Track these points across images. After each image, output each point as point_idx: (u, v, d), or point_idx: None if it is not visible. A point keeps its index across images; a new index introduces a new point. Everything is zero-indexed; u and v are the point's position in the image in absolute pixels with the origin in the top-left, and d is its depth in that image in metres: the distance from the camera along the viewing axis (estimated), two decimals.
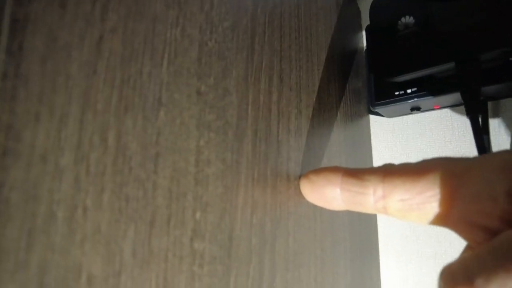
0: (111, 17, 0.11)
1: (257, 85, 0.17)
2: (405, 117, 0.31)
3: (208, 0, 0.15)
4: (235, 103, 0.16)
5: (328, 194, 0.17)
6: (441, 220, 0.13)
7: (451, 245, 0.28)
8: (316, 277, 0.20)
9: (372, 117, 0.32)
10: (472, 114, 0.21)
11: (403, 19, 0.24)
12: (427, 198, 0.13)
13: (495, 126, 0.27)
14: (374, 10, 0.24)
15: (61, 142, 0.10)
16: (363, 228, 0.28)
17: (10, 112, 0.09)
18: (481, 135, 0.20)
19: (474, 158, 0.13)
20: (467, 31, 0.21)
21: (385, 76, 0.24)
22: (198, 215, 0.13)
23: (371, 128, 0.32)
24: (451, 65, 0.22)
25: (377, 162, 0.31)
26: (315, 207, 0.21)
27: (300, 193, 0.20)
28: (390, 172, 0.14)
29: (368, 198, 0.15)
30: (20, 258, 0.09)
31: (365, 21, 0.33)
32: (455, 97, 0.25)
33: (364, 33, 0.33)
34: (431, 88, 0.25)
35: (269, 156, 0.17)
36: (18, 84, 0.09)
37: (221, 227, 0.14)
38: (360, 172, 0.15)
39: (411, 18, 0.23)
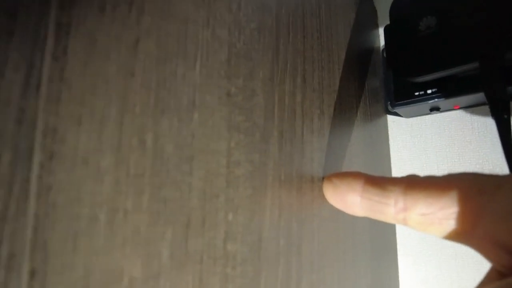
0: (146, 19, 0.11)
1: (282, 86, 0.17)
2: (423, 117, 0.30)
3: (235, 0, 0.15)
4: (262, 104, 0.16)
5: (349, 200, 0.16)
6: (464, 237, 0.13)
7: None
8: (339, 278, 0.20)
9: (389, 117, 0.32)
10: (497, 115, 0.21)
11: (424, 19, 0.23)
12: (449, 214, 0.13)
13: None
14: (394, 10, 0.24)
15: (102, 144, 0.10)
16: (381, 228, 0.28)
17: (56, 115, 0.09)
18: (508, 136, 0.20)
19: (504, 176, 0.13)
20: (491, 29, 0.21)
21: (407, 76, 0.23)
22: (230, 216, 0.13)
23: (388, 128, 0.32)
24: (475, 65, 0.22)
25: (395, 162, 0.31)
26: (337, 209, 0.21)
27: (323, 195, 0.19)
28: (413, 184, 0.14)
29: (389, 208, 0.15)
30: (67, 260, 0.09)
31: (382, 19, 0.33)
32: (477, 97, 0.25)
33: (380, 32, 0.33)
34: (452, 89, 0.24)
35: (294, 157, 0.17)
36: (62, 87, 0.09)
37: (251, 228, 0.14)
38: (383, 181, 0.15)
39: (433, 18, 0.23)
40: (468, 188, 0.12)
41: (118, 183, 0.10)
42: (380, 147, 0.31)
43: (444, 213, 0.13)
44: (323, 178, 0.20)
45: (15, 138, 0.08)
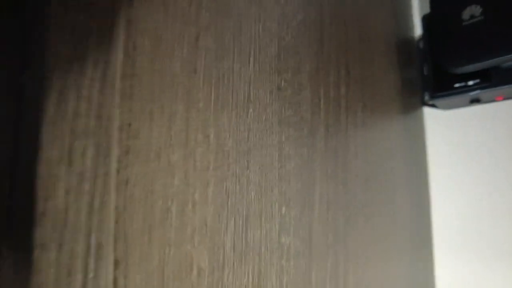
0: (204, 15, 0.12)
1: (326, 79, 0.17)
2: (462, 108, 0.29)
3: None
4: (308, 98, 0.16)
5: None
6: None
7: None
8: (382, 271, 0.20)
9: (425, 110, 0.31)
10: None
11: (468, 8, 0.23)
12: None
13: None
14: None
15: (171, 139, 0.10)
16: (419, 222, 0.27)
17: (129, 111, 0.09)
18: None
19: None
20: None
21: (450, 67, 0.23)
22: (283, 209, 0.13)
23: (425, 120, 0.31)
24: None
25: (432, 157, 0.30)
26: (380, 204, 0.21)
27: (366, 191, 0.19)
28: None
29: None
30: (144, 252, 0.09)
31: (416, 9, 0.32)
32: None
33: (416, 22, 0.32)
34: (497, 80, 0.24)
35: (339, 152, 0.17)
36: (134, 83, 0.09)
37: (302, 222, 0.14)
38: None
39: (478, 7, 0.22)
40: None
41: (187, 176, 0.10)
42: (417, 141, 0.30)
43: None
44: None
45: (96, 134, 0.09)
